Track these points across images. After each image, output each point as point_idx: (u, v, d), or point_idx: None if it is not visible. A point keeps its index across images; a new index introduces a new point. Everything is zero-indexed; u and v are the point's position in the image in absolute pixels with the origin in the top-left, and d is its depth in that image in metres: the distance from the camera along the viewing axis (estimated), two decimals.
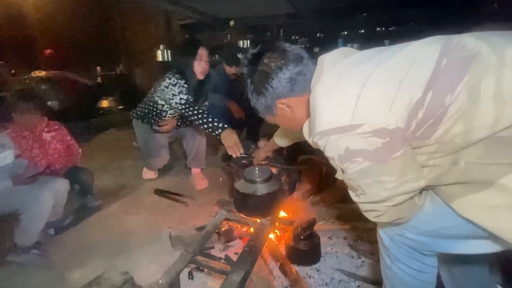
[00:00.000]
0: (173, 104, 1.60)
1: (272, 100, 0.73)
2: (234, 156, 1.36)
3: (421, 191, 0.61)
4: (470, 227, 0.54)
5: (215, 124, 1.42)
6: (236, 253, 1.13)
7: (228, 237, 1.26)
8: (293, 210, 1.43)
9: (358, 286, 1.06)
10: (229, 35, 4.90)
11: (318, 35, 3.33)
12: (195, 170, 2.02)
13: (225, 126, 1.41)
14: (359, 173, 0.56)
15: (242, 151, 1.36)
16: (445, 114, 0.50)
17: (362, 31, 3.03)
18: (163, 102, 1.74)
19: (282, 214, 1.33)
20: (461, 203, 0.54)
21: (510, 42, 0.50)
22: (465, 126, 0.49)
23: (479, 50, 0.50)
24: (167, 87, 1.61)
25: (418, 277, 0.68)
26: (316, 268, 1.15)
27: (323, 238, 1.25)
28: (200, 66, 1.64)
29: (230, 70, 2.24)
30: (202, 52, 1.64)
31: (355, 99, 0.54)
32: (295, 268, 1.11)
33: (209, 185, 1.95)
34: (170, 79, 1.61)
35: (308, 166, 1.77)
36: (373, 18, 2.91)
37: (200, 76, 1.67)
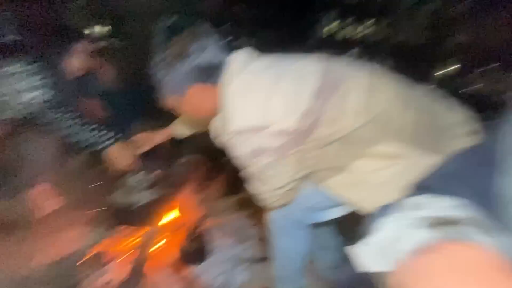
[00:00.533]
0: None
1: (187, 81, 0.69)
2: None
3: None
4: (333, 200, 0.75)
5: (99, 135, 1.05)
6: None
7: (100, 262, 1.07)
8: (182, 211, 1.41)
9: (248, 266, 1.19)
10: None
11: None
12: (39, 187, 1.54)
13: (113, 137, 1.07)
14: (265, 166, 0.67)
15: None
16: (324, 118, 0.66)
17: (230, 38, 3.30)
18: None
19: (170, 217, 1.28)
20: (329, 183, 0.74)
21: (362, 70, 0.72)
22: (332, 128, 0.67)
23: (343, 76, 0.69)
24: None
25: (298, 247, 0.87)
26: (208, 264, 1.19)
27: (213, 233, 1.31)
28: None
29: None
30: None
31: (266, 102, 0.62)
32: (189, 269, 1.11)
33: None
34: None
35: (191, 166, 1.78)
36: (239, 29, 3.24)
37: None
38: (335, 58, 0.75)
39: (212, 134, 0.77)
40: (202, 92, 0.72)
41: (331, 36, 3.00)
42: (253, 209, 1.41)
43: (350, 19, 3.01)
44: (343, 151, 0.70)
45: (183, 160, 1.84)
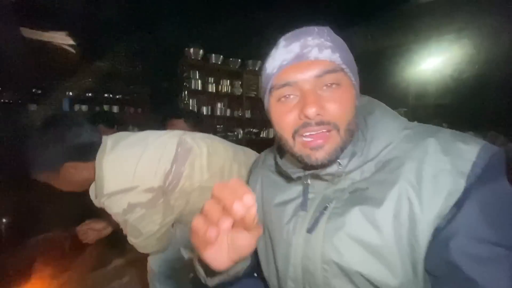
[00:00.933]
0: None
1: (61, 160, 0.79)
2: None
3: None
4: None
5: None
6: None
7: None
8: None
9: None
10: None
11: (34, 90, 2.93)
12: None
13: None
14: (139, 218, 0.83)
15: None
16: (180, 178, 0.89)
17: (90, 94, 3.16)
18: None
19: None
20: None
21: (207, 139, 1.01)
22: (190, 181, 0.92)
23: (192, 145, 0.95)
24: None
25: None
26: None
27: None
28: None
29: None
30: None
31: (134, 169, 0.80)
32: None
33: None
34: None
35: (44, 246, 1.55)
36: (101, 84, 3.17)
37: None
38: (188, 133, 1.03)
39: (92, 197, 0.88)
40: (77, 168, 0.83)
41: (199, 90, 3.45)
42: (127, 278, 1.41)
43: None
44: (202, 196, 0.94)
45: (37, 238, 1.58)
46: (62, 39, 2.49)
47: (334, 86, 0.47)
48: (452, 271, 0.39)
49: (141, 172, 0.82)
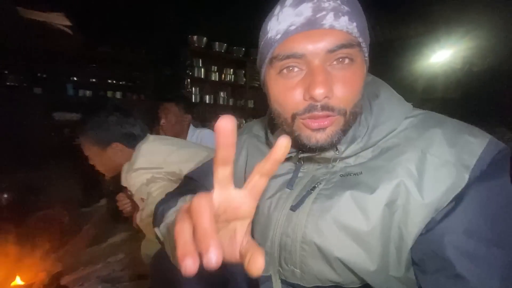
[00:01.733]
0: None
1: (111, 139, 1.00)
2: None
3: None
4: None
5: None
6: None
7: None
8: (32, 274, 1.25)
9: None
10: None
11: (39, 74, 2.98)
12: None
13: None
14: (162, 188, 0.92)
15: None
16: None
17: (94, 80, 3.20)
18: None
19: (17, 281, 1.13)
20: None
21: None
22: None
23: None
24: None
25: None
26: None
27: (74, 287, 1.25)
28: None
29: None
30: None
31: (164, 157, 1.01)
32: None
33: None
34: None
35: (45, 222, 1.59)
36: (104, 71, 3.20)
37: None
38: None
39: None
40: (121, 151, 1.02)
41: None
42: (122, 255, 1.44)
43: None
44: None
45: (36, 216, 1.63)
46: (59, 19, 2.50)
47: (346, 61, 0.41)
48: (443, 266, 0.38)
49: (169, 162, 0.98)
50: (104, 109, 1.01)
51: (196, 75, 3.40)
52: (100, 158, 1.04)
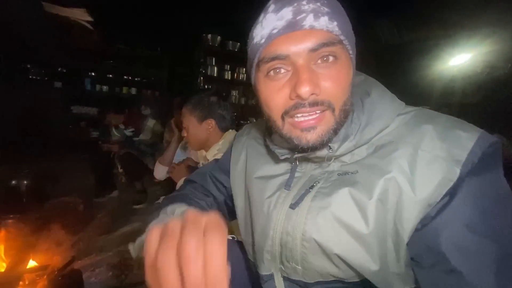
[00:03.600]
0: None
1: (207, 115, 1.17)
2: None
3: None
4: None
5: None
6: None
7: None
8: (47, 257, 1.31)
9: None
10: None
11: (59, 69, 3.10)
12: None
13: None
14: None
15: None
16: None
17: (111, 76, 3.29)
18: None
19: (31, 263, 1.18)
20: None
21: None
22: None
23: None
24: None
25: None
26: None
27: (86, 272, 1.29)
28: None
29: None
30: None
31: None
32: None
33: None
34: None
35: (61, 209, 1.66)
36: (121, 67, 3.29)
37: None
38: None
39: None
40: (214, 127, 1.18)
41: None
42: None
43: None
44: None
45: (52, 202, 1.70)
46: (81, 15, 2.60)
47: (331, 59, 0.42)
48: (439, 260, 0.38)
49: None
50: (209, 91, 1.15)
51: (209, 73, 3.45)
52: (194, 129, 1.20)
